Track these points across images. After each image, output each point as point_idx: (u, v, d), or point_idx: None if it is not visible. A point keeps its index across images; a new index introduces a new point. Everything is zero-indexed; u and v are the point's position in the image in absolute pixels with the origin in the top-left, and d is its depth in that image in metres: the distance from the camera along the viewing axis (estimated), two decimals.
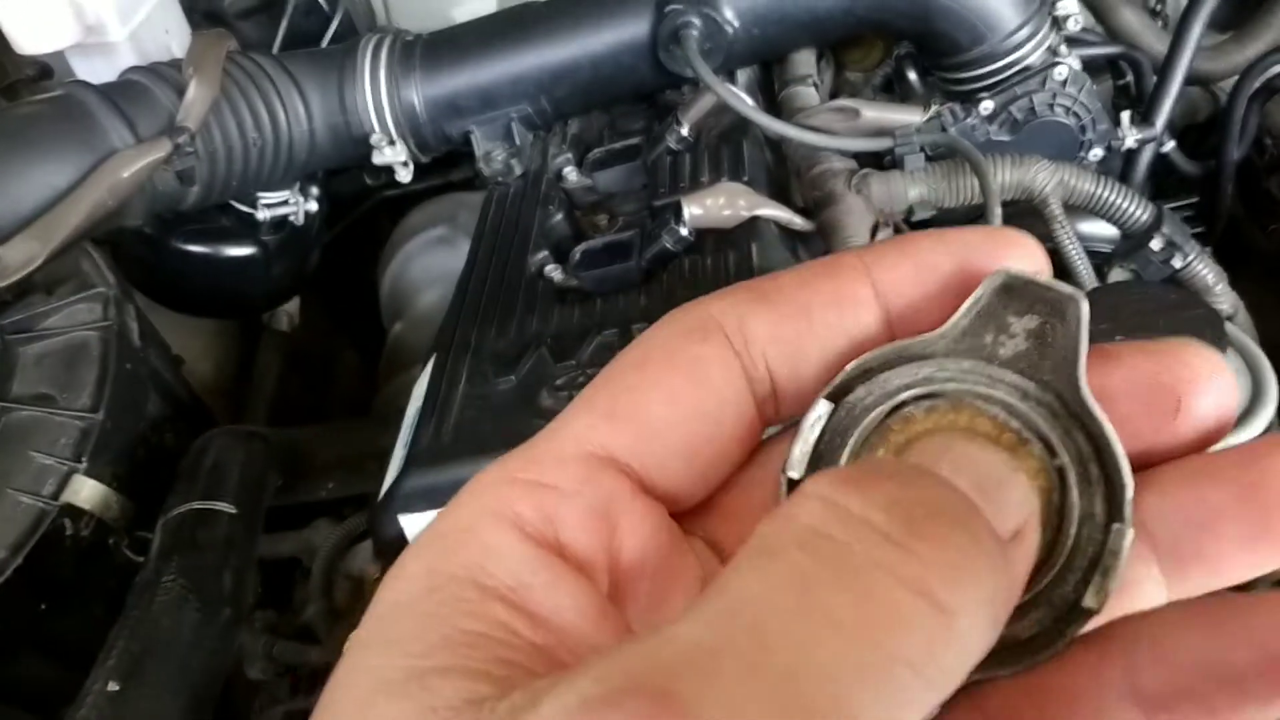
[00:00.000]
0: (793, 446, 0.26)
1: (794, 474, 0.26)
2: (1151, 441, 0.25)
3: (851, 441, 0.26)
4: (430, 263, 1.36)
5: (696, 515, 0.28)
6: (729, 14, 1.04)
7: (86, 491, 0.87)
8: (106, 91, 1.00)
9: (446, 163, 1.28)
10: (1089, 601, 0.24)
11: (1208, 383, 0.25)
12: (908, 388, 0.26)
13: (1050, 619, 0.24)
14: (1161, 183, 1.23)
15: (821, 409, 0.26)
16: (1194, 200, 1.15)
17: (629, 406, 0.26)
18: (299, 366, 1.37)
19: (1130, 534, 0.24)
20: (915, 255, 0.27)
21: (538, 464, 0.26)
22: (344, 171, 1.29)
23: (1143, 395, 0.25)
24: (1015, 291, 0.26)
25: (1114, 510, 0.24)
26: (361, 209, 1.42)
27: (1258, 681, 0.22)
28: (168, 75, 1.04)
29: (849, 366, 0.26)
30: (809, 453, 0.26)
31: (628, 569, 0.25)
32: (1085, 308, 0.25)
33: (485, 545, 0.24)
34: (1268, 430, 0.91)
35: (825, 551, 0.20)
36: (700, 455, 0.26)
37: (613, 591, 0.25)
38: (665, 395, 0.26)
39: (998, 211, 0.91)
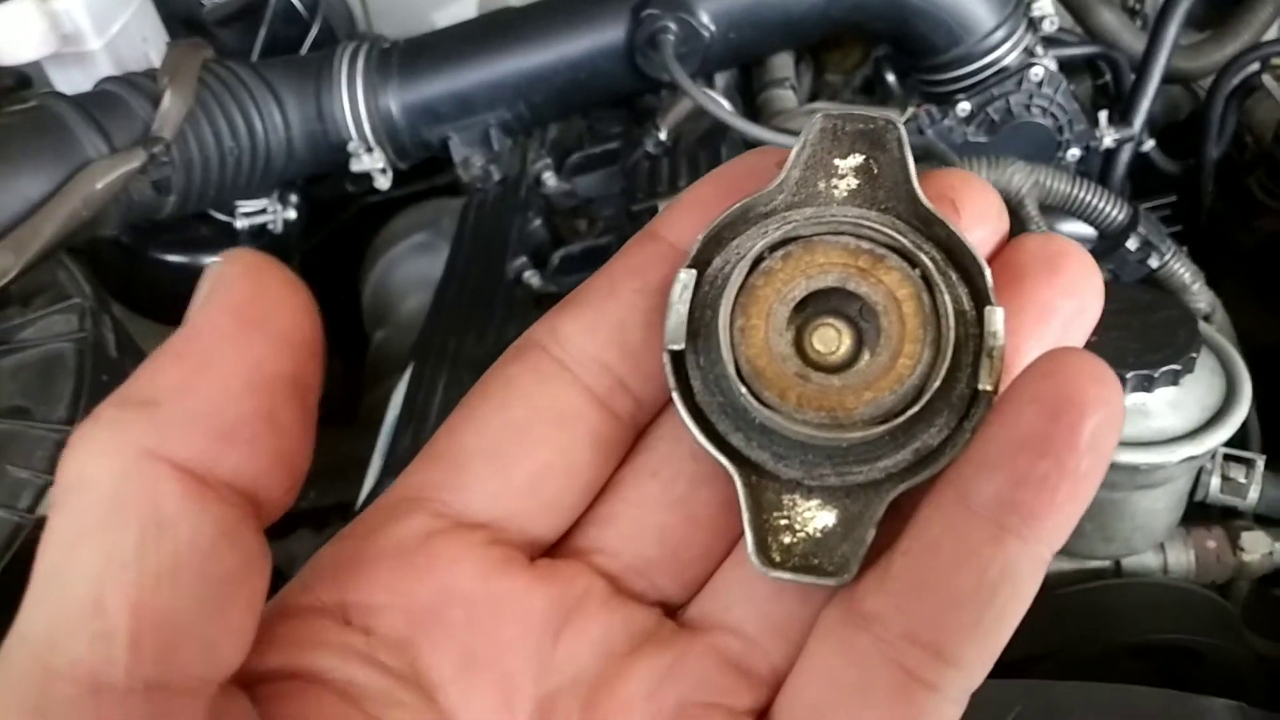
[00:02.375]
0: (666, 320, 0.26)
1: (674, 346, 0.26)
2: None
3: (724, 308, 0.26)
4: (413, 269, 1.36)
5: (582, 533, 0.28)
6: (705, 18, 1.04)
7: None
8: (81, 102, 1.00)
9: (429, 168, 1.28)
10: (984, 384, 0.25)
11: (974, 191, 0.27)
12: (760, 244, 0.26)
13: (954, 419, 0.25)
14: (1143, 181, 1.23)
15: (685, 278, 0.26)
16: (1174, 199, 1.15)
17: (444, 446, 0.27)
18: None
19: (1001, 311, 0.25)
20: (689, 202, 0.28)
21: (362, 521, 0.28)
22: (326, 178, 1.29)
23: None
24: (835, 133, 0.27)
25: (980, 299, 0.25)
26: (344, 216, 1.41)
27: (1045, 433, 0.22)
28: (143, 85, 1.04)
29: (700, 236, 0.27)
30: (684, 324, 0.26)
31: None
32: (902, 131, 0.26)
33: None
34: (1245, 428, 0.91)
35: None
36: (520, 466, 0.27)
37: None
38: (475, 425, 0.27)
39: None
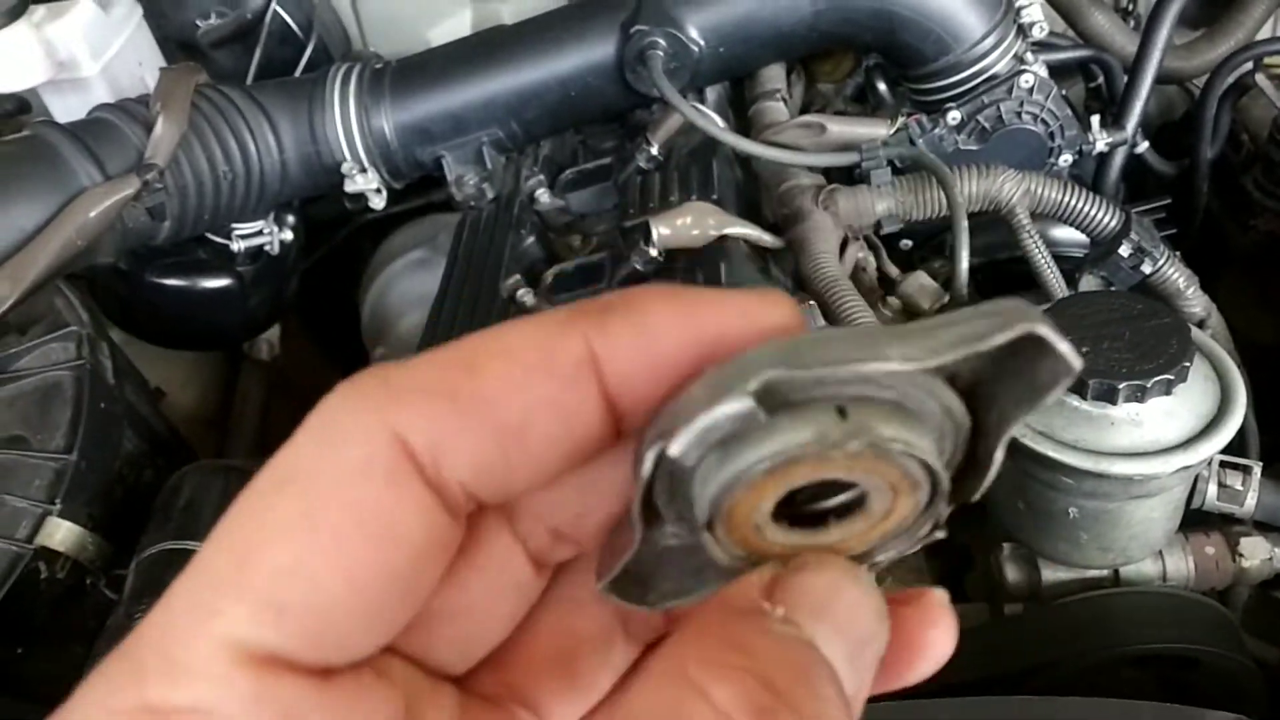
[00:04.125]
0: (693, 419, 0.22)
1: (673, 453, 0.22)
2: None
3: (744, 465, 0.22)
4: (410, 285, 1.36)
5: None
6: (694, 33, 1.04)
7: (61, 534, 0.87)
8: (74, 130, 1.01)
9: (426, 184, 1.28)
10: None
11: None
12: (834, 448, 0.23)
13: None
14: (1139, 183, 1.23)
15: (744, 408, 0.22)
16: (1169, 201, 1.15)
17: (300, 592, 0.21)
18: (284, 394, 1.37)
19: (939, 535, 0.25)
20: (651, 339, 0.23)
21: (186, 683, 0.20)
22: (323, 196, 1.30)
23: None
24: (1028, 346, 0.23)
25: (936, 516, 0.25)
26: (341, 234, 1.42)
27: None
28: (136, 112, 1.05)
29: (794, 372, 0.22)
30: (702, 438, 0.22)
31: None
32: (1067, 382, 0.23)
33: None
34: (1243, 433, 0.91)
35: None
36: (393, 617, 0.23)
37: None
38: (343, 570, 0.21)
39: (964, 224, 0.91)
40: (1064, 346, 0.22)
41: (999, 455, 0.24)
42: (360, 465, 0.21)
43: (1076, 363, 0.22)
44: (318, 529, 0.21)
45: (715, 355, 0.22)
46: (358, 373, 0.23)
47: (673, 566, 0.26)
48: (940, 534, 0.25)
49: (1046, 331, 0.22)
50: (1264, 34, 1.24)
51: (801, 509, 0.24)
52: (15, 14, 1.10)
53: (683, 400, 0.22)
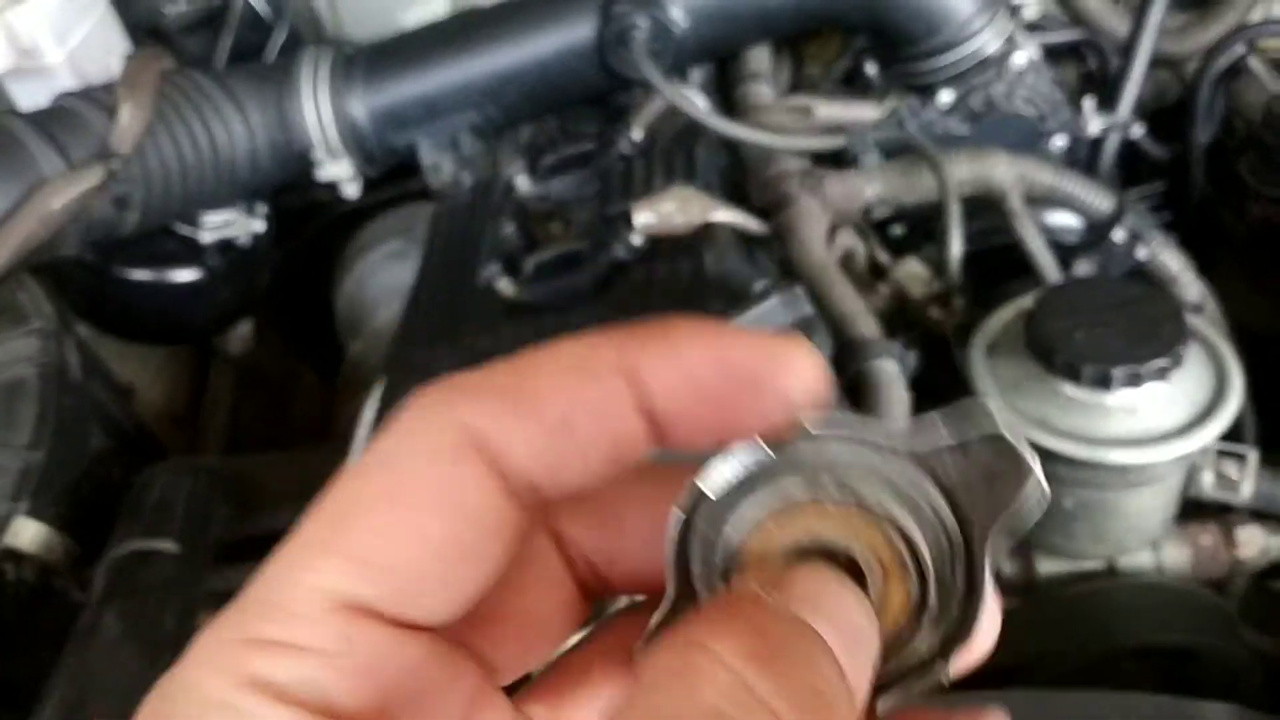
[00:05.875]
0: (712, 465, 0.26)
1: (711, 494, 0.26)
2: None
3: (760, 500, 0.26)
4: (386, 278, 1.33)
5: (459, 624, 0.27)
6: (676, 13, 1.01)
7: (28, 534, 0.85)
8: (35, 119, 0.98)
9: (401, 174, 1.26)
10: (880, 707, 0.25)
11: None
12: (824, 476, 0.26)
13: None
14: (1132, 167, 1.21)
15: (761, 455, 0.26)
16: (1164, 186, 1.13)
17: (383, 552, 0.24)
18: (255, 390, 1.34)
19: (945, 675, 0.26)
20: (681, 360, 0.26)
21: (285, 622, 0.24)
22: (296, 186, 1.27)
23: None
24: (998, 447, 0.26)
25: (945, 646, 0.26)
26: (315, 225, 1.39)
27: None
28: (100, 99, 1.01)
29: (806, 424, 0.26)
30: (729, 485, 0.26)
31: (400, 711, 0.25)
32: (1038, 496, 0.25)
33: None
34: (1240, 420, 0.90)
35: None
36: (464, 585, 0.25)
37: None
38: (419, 535, 0.24)
39: (955, 209, 0.89)
40: (1022, 448, 0.25)
41: (987, 575, 0.26)
42: (432, 449, 0.25)
43: (1032, 463, 0.25)
44: (397, 501, 0.24)
45: (738, 383, 0.26)
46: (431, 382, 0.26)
47: None
48: (942, 676, 0.26)
49: (1006, 433, 0.25)
50: (1256, 16, 1.22)
51: None
52: None
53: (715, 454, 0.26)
